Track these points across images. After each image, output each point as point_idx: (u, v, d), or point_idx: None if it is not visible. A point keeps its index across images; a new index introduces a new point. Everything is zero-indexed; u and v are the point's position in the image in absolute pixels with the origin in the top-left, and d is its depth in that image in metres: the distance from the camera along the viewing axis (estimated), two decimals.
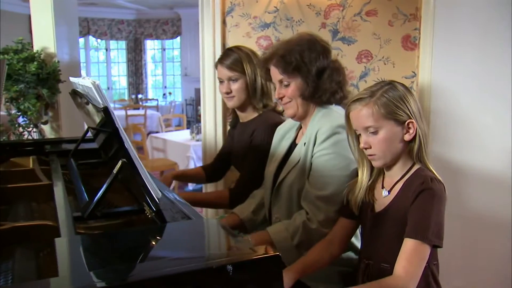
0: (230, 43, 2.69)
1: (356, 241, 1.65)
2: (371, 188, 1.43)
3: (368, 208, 1.42)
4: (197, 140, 5.05)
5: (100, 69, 11.13)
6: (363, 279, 1.41)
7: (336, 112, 1.64)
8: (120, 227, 1.20)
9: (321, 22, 2.63)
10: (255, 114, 2.07)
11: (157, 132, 7.40)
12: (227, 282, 0.80)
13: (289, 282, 1.36)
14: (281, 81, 1.67)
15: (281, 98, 1.69)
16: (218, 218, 2.19)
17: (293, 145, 1.78)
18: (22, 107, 2.79)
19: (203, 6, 2.71)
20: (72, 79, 1.47)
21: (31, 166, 1.80)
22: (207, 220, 1.09)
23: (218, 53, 2.57)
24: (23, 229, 1.10)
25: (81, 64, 10.08)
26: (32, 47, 2.94)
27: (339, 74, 1.67)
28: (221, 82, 2.06)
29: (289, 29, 2.66)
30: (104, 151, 1.47)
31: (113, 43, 11.08)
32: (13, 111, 2.86)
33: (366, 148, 1.35)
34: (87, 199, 1.23)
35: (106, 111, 1.05)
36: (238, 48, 2.07)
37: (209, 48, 2.72)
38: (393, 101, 1.30)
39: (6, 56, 2.72)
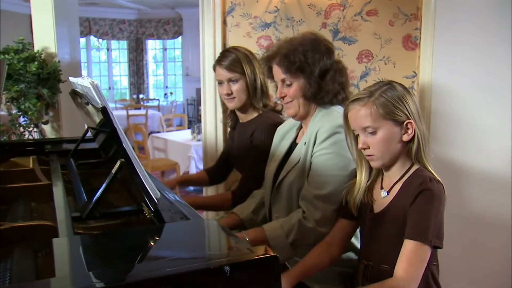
0: (231, 43, 2.69)
1: (356, 242, 1.64)
2: (369, 189, 1.43)
3: (367, 209, 1.42)
4: (198, 140, 5.05)
5: (102, 69, 11.15)
6: (363, 280, 1.41)
7: (337, 112, 1.63)
8: (119, 227, 1.20)
9: (321, 22, 2.63)
10: (255, 114, 2.07)
11: (158, 132, 7.40)
12: (224, 283, 0.79)
13: (287, 287, 1.35)
14: (283, 81, 1.66)
15: (282, 97, 1.69)
16: (218, 218, 2.19)
17: (293, 145, 1.78)
18: (22, 107, 2.79)
19: (203, 6, 2.72)
20: (71, 79, 1.47)
21: (31, 166, 1.80)
22: (206, 220, 1.09)
23: (219, 53, 2.57)
24: (21, 229, 1.10)
25: (83, 64, 10.13)
26: (33, 47, 2.95)
27: (342, 75, 1.66)
28: (220, 83, 2.05)
29: (289, 29, 2.66)
30: (104, 151, 1.47)
31: (114, 43, 11.10)
32: (14, 111, 2.87)
33: (364, 149, 1.34)
34: (86, 199, 1.23)
35: (104, 111, 1.05)
36: (235, 48, 2.06)
37: (210, 48, 2.72)
38: (392, 101, 1.30)
39: (6, 56, 2.72)
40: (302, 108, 1.67)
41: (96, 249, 0.95)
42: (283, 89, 1.67)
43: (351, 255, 1.65)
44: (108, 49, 11.10)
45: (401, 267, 1.22)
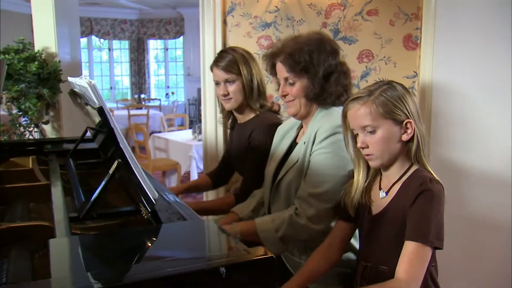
0: (231, 43, 2.69)
1: (355, 242, 1.63)
2: (367, 190, 1.42)
3: (365, 210, 1.41)
4: (199, 140, 5.05)
5: (103, 69, 11.17)
6: (361, 281, 1.40)
7: (338, 113, 1.62)
8: (116, 228, 1.20)
9: (322, 22, 2.63)
10: (252, 115, 2.06)
11: (159, 132, 7.40)
12: (221, 283, 0.79)
13: None
14: (286, 79, 1.65)
15: (284, 96, 1.68)
16: (218, 218, 2.19)
17: (293, 144, 1.78)
18: (23, 107, 2.79)
19: (203, 5, 2.71)
20: (70, 79, 1.47)
21: (30, 166, 1.80)
22: (202, 221, 1.09)
23: None
24: (18, 230, 1.10)
25: (85, 64, 10.14)
26: (33, 46, 2.95)
27: (346, 78, 1.65)
28: (217, 84, 2.04)
29: (290, 28, 2.66)
30: (103, 151, 1.47)
31: (116, 43, 11.11)
32: (14, 111, 2.87)
33: (363, 148, 1.34)
34: (84, 200, 1.22)
35: (101, 111, 1.05)
36: (232, 49, 2.05)
37: (210, 48, 2.72)
38: (391, 100, 1.29)
39: (7, 56, 2.73)
40: (303, 108, 1.67)
41: (93, 249, 0.94)
42: (286, 88, 1.66)
43: (350, 255, 1.65)
44: (109, 49, 11.12)
45: (402, 269, 1.22)
